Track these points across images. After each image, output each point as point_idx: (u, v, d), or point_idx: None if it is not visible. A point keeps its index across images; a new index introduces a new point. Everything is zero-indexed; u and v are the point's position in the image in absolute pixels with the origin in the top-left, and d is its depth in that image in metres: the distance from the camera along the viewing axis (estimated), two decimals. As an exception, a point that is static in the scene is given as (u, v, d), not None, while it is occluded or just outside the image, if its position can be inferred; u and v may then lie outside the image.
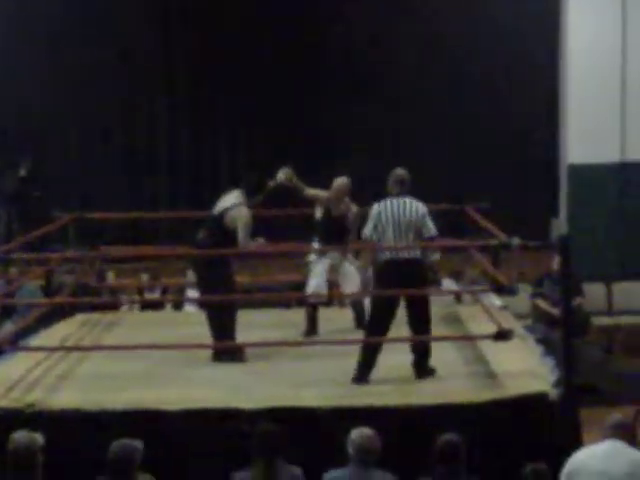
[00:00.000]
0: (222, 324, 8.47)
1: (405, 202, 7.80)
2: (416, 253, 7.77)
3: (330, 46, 14.72)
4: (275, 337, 8.89)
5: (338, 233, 9.28)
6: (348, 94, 14.57)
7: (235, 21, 14.61)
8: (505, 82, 14.64)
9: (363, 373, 7.69)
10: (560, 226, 14.01)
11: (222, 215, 8.57)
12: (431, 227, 7.84)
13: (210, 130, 15.18)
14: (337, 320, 9.65)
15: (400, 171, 7.94)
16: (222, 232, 8.52)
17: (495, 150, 14.56)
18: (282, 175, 9.13)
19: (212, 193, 14.48)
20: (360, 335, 8.32)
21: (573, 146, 13.88)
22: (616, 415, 6.10)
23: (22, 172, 14.35)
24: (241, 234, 8.46)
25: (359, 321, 9.33)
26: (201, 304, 8.85)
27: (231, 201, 8.63)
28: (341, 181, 9.37)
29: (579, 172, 13.80)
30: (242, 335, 8.49)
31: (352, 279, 9.31)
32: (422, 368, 7.79)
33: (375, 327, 7.85)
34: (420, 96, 14.58)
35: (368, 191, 9.47)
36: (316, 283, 9.29)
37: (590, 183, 13.66)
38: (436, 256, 8.18)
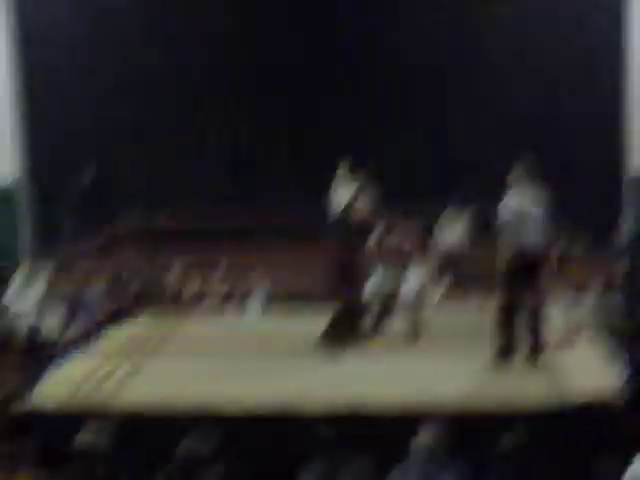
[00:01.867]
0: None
1: (528, 196, 8.03)
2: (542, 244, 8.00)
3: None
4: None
5: None
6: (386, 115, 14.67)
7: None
8: (569, 97, 14.62)
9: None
10: (622, 237, 13.89)
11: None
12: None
13: (271, 131, 15.26)
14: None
15: (521, 168, 8.16)
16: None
17: (558, 164, 14.48)
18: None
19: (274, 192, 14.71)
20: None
21: (637, 158, 13.79)
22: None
23: (88, 178, 14.51)
24: None
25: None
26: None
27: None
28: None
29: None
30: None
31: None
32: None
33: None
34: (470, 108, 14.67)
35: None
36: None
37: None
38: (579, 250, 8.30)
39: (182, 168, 15.01)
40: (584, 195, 14.33)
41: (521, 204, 7.98)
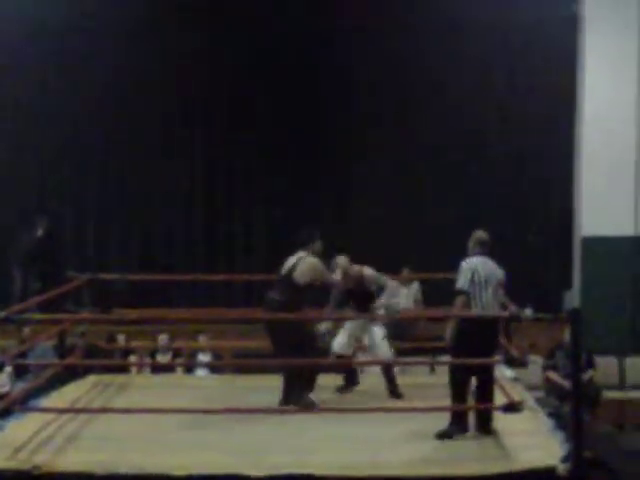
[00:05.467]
0: (301, 385, 8.73)
1: (490, 263, 7.97)
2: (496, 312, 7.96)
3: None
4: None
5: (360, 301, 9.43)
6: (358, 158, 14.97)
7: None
8: (521, 154, 14.81)
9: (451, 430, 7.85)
10: (573, 298, 14.00)
11: (290, 273, 8.80)
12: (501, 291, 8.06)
13: (226, 195, 15.32)
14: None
15: (481, 233, 8.09)
16: (292, 289, 8.73)
17: (509, 222, 14.64)
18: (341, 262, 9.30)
19: (226, 258, 14.85)
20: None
21: (587, 218, 13.93)
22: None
23: (39, 232, 14.46)
24: (326, 276, 8.91)
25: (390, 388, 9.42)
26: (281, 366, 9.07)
27: (296, 258, 8.87)
28: (340, 261, 9.49)
29: (593, 244, 13.83)
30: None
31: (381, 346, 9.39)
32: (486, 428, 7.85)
33: (460, 383, 7.93)
34: (436, 163, 14.85)
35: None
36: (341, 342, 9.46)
37: (604, 256, 13.67)
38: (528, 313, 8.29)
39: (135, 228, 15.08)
40: (536, 255, 14.54)
41: (480, 270, 7.93)
